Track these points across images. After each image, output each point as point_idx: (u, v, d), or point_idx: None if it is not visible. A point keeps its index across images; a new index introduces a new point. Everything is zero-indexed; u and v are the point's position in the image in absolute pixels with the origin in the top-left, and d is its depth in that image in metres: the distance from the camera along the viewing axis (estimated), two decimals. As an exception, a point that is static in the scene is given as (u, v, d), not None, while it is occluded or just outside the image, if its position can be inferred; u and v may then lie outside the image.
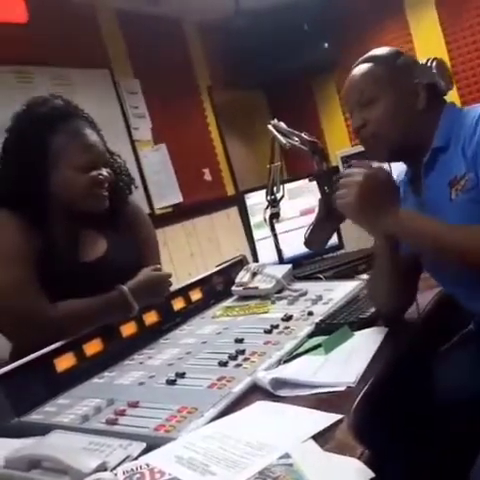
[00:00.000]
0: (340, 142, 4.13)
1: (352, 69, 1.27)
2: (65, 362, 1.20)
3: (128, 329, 1.38)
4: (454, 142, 1.15)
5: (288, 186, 2.03)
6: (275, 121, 1.58)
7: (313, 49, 4.03)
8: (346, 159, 2.43)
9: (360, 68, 1.25)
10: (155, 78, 3.32)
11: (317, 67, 4.16)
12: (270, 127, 1.59)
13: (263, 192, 1.98)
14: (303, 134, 1.43)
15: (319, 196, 1.49)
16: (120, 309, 1.38)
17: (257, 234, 2.18)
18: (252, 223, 2.20)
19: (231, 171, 3.96)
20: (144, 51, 3.28)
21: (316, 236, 1.31)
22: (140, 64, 3.26)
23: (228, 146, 3.99)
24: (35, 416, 1.07)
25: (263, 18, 3.76)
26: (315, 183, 1.65)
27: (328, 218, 1.27)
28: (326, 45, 4.11)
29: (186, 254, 3.29)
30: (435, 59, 1.20)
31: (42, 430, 0.98)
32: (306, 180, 2.14)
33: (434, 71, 1.18)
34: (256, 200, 2.15)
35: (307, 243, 1.33)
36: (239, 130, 4.37)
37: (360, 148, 2.62)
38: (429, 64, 1.19)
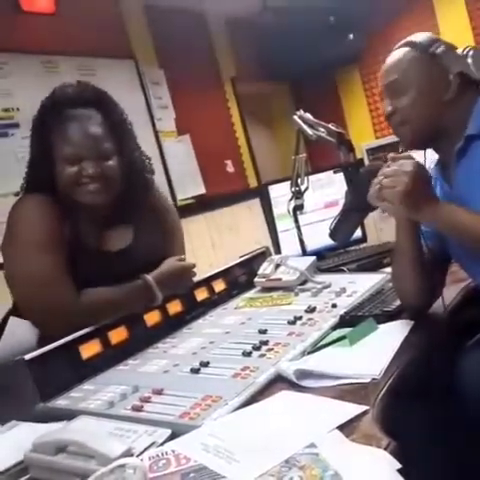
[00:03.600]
0: (364, 134, 4.09)
1: (392, 51, 1.28)
2: (90, 349, 1.22)
3: (152, 318, 1.39)
4: None
5: (312, 178, 2.02)
6: (301, 112, 1.57)
7: (338, 41, 4.00)
8: (371, 151, 2.40)
9: (397, 53, 1.26)
10: (179, 69, 3.33)
11: (342, 59, 4.12)
12: (296, 118, 1.58)
13: (286, 184, 1.98)
14: (330, 125, 1.42)
15: (344, 188, 1.48)
16: (144, 298, 1.39)
17: (280, 226, 2.17)
18: (275, 215, 2.19)
19: (254, 163, 3.96)
20: (169, 42, 3.28)
21: (341, 228, 1.30)
22: (165, 55, 3.27)
23: (251, 138, 3.98)
24: (61, 401, 1.08)
25: (289, 10, 3.74)
26: (339, 176, 1.65)
27: (354, 210, 1.26)
28: (351, 37, 4.06)
29: (207, 245, 3.30)
30: (474, 49, 1.19)
31: (68, 415, 1.00)
32: (331, 172, 2.13)
33: (469, 60, 1.17)
34: (279, 192, 2.14)
35: (332, 235, 1.32)
36: (262, 122, 4.35)
37: (385, 140, 2.60)
38: (465, 53, 1.19)
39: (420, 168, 1.13)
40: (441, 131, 1.21)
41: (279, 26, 3.79)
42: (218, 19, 3.77)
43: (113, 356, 1.24)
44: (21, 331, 1.30)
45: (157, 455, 0.81)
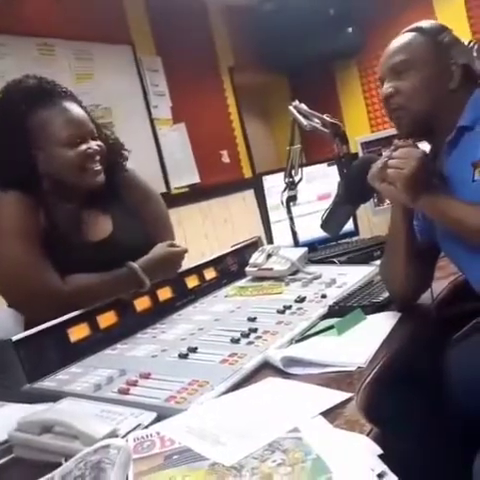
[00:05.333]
0: (360, 128, 4.09)
1: (399, 35, 1.28)
2: (79, 332, 1.22)
3: (142, 303, 1.40)
4: None
5: (306, 170, 2.02)
6: (296, 102, 1.57)
7: (337, 34, 3.99)
8: (366, 145, 2.40)
9: (403, 36, 1.25)
10: (177, 56, 3.31)
11: (340, 52, 4.11)
12: (291, 108, 1.58)
13: (281, 175, 1.98)
14: (325, 116, 1.42)
15: (338, 180, 1.48)
16: (130, 285, 1.38)
17: (273, 216, 2.17)
18: (268, 205, 2.19)
19: (249, 154, 3.95)
20: (167, 29, 3.26)
21: (333, 219, 1.30)
22: (163, 42, 3.25)
23: (247, 128, 3.98)
24: (48, 383, 1.09)
25: (289, 2, 3.72)
26: (333, 168, 1.65)
27: (346, 202, 1.26)
28: (350, 30, 4.05)
29: (201, 235, 3.30)
30: (477, 42, 1.19)
31: (54, 397, 1.00)
32: (324, 165, 2.13)
33: (474, 54, 1.17)
34: (273, 183, 2.13)
35: (324, 226, 1.32)
36: (259, 113, 4.34)
37: (380, 134, 2.59)
38: (471, 45, 1.19)
39: (427, 157, 1.14)
40: (436, 121, 1.21)
41: (278, 17, 3.77)
42: (218, 7, 3.75)
43: (101, 340, 1.25)
44: (6, 319, 1.30)
45: (142, 437, 0.81)
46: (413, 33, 1.24)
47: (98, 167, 1.40)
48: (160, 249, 1.46)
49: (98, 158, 1.40)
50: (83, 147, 1.38)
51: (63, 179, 1.38)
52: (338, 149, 1.37)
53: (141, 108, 3.06)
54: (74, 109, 1.41)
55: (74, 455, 0.76)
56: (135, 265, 1.38)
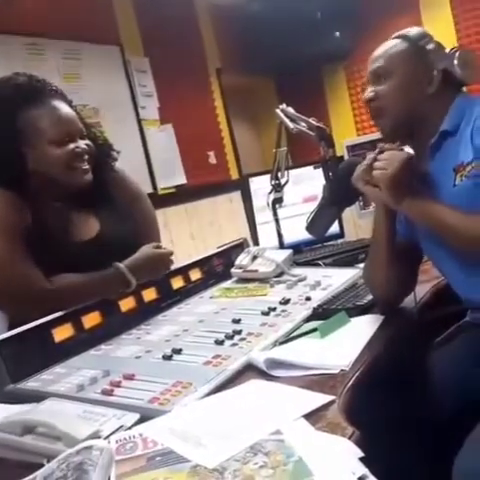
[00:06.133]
0: (347, 132, 4.12)
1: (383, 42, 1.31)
2: (63, 332, 1.22)
3: (127, 304, 1.39)
4: (463, 128, 1.17)
5: (292, 172, 2.04)
6: (283, 106, 1.58)
7: (325, 38, 4.00)
8: (351, 148, 2.42)
9: (386, 43, 1.29)
10: (165, 58, 3.31)
11: (328, 56, 4.13)
12: (278, 111, 1.59)
13: (267, 177, 1.98)
14: (311, 119, 1.43)
15: (323, 183, 1.50)
16: (117, 285, 1.38)
17: (259, 218, 2.18)
18: (255, 207, 2.20)
19: (236, 155, 3.96)
20: (155, 30, 3.26)
21: (318, 221, 1.31)
22: (150, 43, 3.24)
23: (234, 130, 3.98)
24: (31, 383, 1.08)
25: (276, 4, 3.73)
26: (319, 171, 1.65)
27: (331, 204, 1.27)
28: (338, 34, 4.08)
29: (187, 236, 3.30)
30: (462, 50, 1.22)
31: (38, 397, 1.00)
32: (311, 167, 2.15)
33: (454, 60, 1.19)
34: (260, 184, 2.15)
35: (309, 228, 1.33)
36: (246, 115, 4.35)
37: (366, 138, 2.61)
38: (452, 52, 1.21)
39: (411, 160, 1.16)
40: (418, 125, 1.23)
41: (266, 19, 3.78)
42: (206, 9, 3.75)
43: (86, 340, 1.24)
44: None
45: (124, 438, 0.81)
46: (396, 40, 1.27)
47: (86, 166, 1.40)
48: (146, 250, 1.46)
49: (86, 157, 1.40)
50: (71, 146, 1.38)
51: (51, 177, 1.38)
52: (324, 152, 1.38)
53: (129, 109, 3.05)
54: (63, 108, 1.41)
55: (56, 456, 0.76)
56: (122, 265, 1.38)
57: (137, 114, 3.11)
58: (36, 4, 2.59)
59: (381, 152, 1.18)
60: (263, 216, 2.14)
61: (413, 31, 1.28)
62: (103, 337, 1.28)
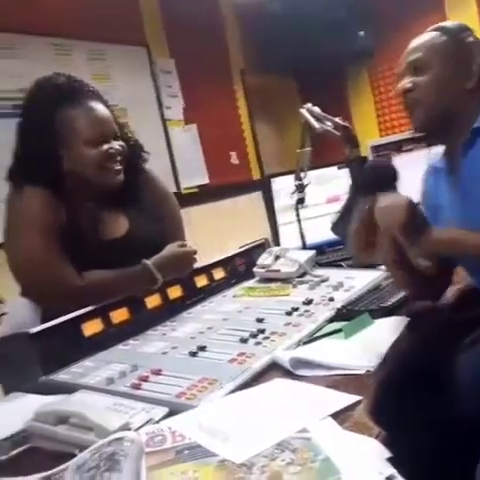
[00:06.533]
0: (369, 132, 4.11)
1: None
2: (93, 327, 1.25)
3: (153, 301, 1.42)
4: None
5: (316, 173, 2.04)
6: (309, 105, 1.59)
7: (348, 37, 3.99)
8: (376, 149, 2.42)
9: (425, 34, 1.27)
10: (189, 58, 3.34)
11: (351, 55, 4.12)
12: (303, 111, 1.60)
13: (289, 177, 2.00)
14: (337, 119, 1.43)
15: (347, 185, 1.51)
16: (144, 282, 1.42)
17: (280, 219, 2.20)
18: (276, 207, 2.21)
19: (258, 156, 3.97)
20: (181, 31, 3.29)
21: (344, 222, 1.32)
22: (176, 44, 3.27)
23: (256, 130, 4.00)
24: (62, 376, 1.11)
25: (300, 3, 3.73)
26: (343, 171, 1.66)
27: (356, 205, 1.28)
28: (362, 34, 4.06)
29: (208, 235, 3.32)
30: None
31: (68, 389, 1.02)
32: (334, 168, 2.15)
33: None
34: (282, 185, 2.16)
35: (334, 228, 1.34)
36: (268, 115, 4.36)
37: (390, 138, 2.59)
38: None
39: (412, 203, 1.12)
40: (452, 120, 1.21)
41: (288, 18, 3.78)
42: (230, 9, 3.77)
43: (114, 335, 1.27)
44: (24, 311, 1.33)
45: (153, 431, 0.83)
46: (435, 32, 1.25)
47: (118, 167, 1.44)
48: (172, 248, 1.49)
49: (119, 158, 1.44)
50: (105, 147, 1.41)
51: (85, 177, 1.41)
52: (349, 152, 1.38)
53: (154, 109, 3.09)
54: (100, 109, 1.44)
55: (88, 446, 0.79)
56: (149, 263, 1.41)
57: (162, 114, 3.14)
58: (63, 5, 2.64)
59: (370, 208, 1.14)
60: (285, 216, 2.15)
61: (452, 24, 1.26)
62: (130, 333, 1.30)
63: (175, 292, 1.50)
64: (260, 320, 1.32)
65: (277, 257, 1.76)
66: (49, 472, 0.77)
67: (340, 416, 0.82)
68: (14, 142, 1.42)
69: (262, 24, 3.86)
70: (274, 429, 0.80)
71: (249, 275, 1.75)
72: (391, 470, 0.68)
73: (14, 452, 0.88)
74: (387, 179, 1.22)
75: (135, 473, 0.71)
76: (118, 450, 0.74)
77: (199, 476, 0.70)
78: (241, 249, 1.87)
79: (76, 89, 1.43)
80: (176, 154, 3.19)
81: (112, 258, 1.39)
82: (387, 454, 0.71)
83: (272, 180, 2.22)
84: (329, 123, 1.48)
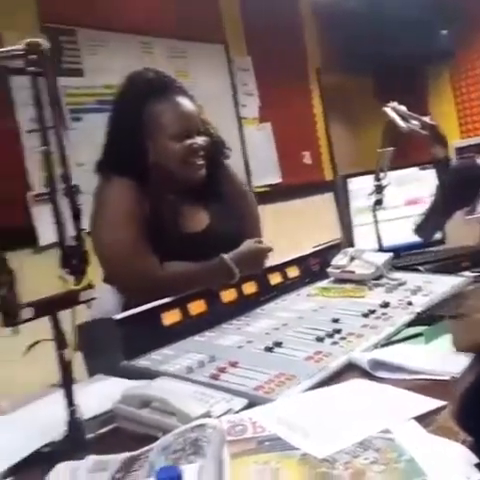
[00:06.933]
0: (450, 134, 3.95)
1: None
2: (171, 317, 1.28)
3: (228, 295, 1.44)
4: None
5: (395, 174, 1.99)
6: (394, 104, 1.55)
7: (430, 36, 3.87)
8: (460, 151, 2.33)
9: None
10: (266, 57, 3.36)
11: (432, 55, 3.99)
12: (388, 110, 1.56)
13: (365, 178, 1.96)
14: (425, 118, 1.39)
15: (429, 186, 1.46)
16: (221, 276, 1.44)
17: (355, 220, 2.16)
18: (351, 208, 2.18)
19: (331, 156, 3.93)
20: (259, 29, 3.32)
21: (427, 224, 1.29)
22: (254, 42, 3.30)
23: (331, 130, 3.96)
24: (143, 362, 1.15)
25: (379, 1, 3.66)
26: (425, 173, 1.61)
27: (443, 208, 1.24)
28: (444, 33, 3.92)
29: (278, 234, 3.32)
30: None
31: (149, 375, 1.06)
32: (416, 168, 2.09)
33: None
34: (358, 185, 2.13)
35: (417, 230, 1.31)
36: (343, 115, 4.31)
37: (476, 140, 2.49)
38: None
39: None
40: None
41: (367, 17, 3.71)
42: (309, 7, 3.75)
43: (191, 326, 1.30)
44: (109, 297, 1.39)
45: (233, 421, 0.84)
46: None
47: (201, 162, 1.47)
48: (249, 244, 1.51)
49: (202, 153, 1.46)
50: (189, 141, 1.45)
51: (168, 171, 1.45)
52: (437, 152, 1.34)
53: (229, 106, 3.13)
54: (186, 104, 1.47)
55: (170, 431, 0.81)
56: (226, 257, 1.43)
57: (237, 112, 3.18)
58: (146, 3, 2.73)
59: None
60: (359, 218, 2.11)
61: None
62: (206, 324, 1.33)
63: (250, 288, 1.51)
64: (336, 320, 1.31)
65: (352, 258, 1.74)
66: (136, 452, 0.80)
67: (424, 420, 0.80)
68: (104, 135, 1.49)
69: (341, 22, 3.82)
70: (355, 428, 0.79)
71: (323, 275, 1.74)
72: (479, 476, 0.66)
73: (100, 431, 0.92)
74: (474, 181, 1.18)
75: (218, 459, 0.72)
76: (201, 436, 0.76)
77: (281, 467, 0.70)
78: (315, 249, 1.86)
79: (165, 84, 1.48)
80: (249, 152, 3.21)
81: (191, 251, 1.43)
82: (475, 460, 0.69)
83: (348, 180, 2.19)
84: (415, 122, 1.44)
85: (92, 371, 1.16)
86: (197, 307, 1.34)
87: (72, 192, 0.93)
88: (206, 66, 2.95)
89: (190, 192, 1.51)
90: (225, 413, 0.88)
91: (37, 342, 0.87)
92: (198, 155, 1.46)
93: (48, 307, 0.87)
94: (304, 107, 3.73)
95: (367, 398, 0.91)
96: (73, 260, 0.93)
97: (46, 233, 2.28)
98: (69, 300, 0.90)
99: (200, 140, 1.47)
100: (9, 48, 0.88)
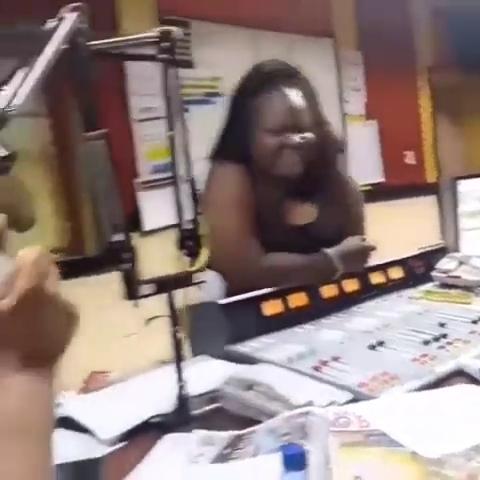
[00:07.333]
0: None
1: None
2: (272, 307, 1.30)
3: (329, 291, 1.44)
4: None
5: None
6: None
7: None
8: None
9: None
10: (377, 53, 3.28)
11: None
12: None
13: (476, 181, 1.86)
14: None
15: None
16: (324, 271, 1.44)
17: (462, 224, 2.06)
18: (459, 211, 2.08)
19: (436, 157, 3.77)
20: (370, 23, 3.24)
21: None
22: (364, 36, 3.23)
23: (437, 131, 3.80)
24: (244, 348, 1.18)
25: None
26: None
27: None
28: None
29: (380, 234, 3.24)
30: None
31: (251, 361, 1.09)
32: None
33: None
34: (467, 188, 2.03)
35: None
36: (452, 115, 4.11)
37: None
38: None
39: None
40: None
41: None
42: (422, 4, 3.61)
43: (290, 318, 1.31)
44: (215, 282, 1.43)
45: (337, 413, 0.84)
46: None
47: (295, 158, 1.45)
48: (353, 241, 1.49)
49: (299, 150, 1.45)
50: (286, 137, 1.43)
51: (263, 164, 1.46)
52: None
53: (334, 102, 3.09)
54: (292, 99, 1.46)
55: (273, 416, 0.83)
56: (331, 253, 1.43)
57: (341, 108, 3.14)
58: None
59: None
60: (467, 222, 2.02)
61: None
62: (306, 318, 1.34)
63: (351, 285, 1.50)
64: (442, 325, 1.26)
65: (460, 263, 1.66)
66: (240, 432, 0.82)
67: None
68: (215, 125, 1.53)
69: (456, 20, 3.64)
70: (466, 432, 0.76)
71: (426, 278, 1.68)
72: None
73: (205, 409, 0.96)
74: None
75: (324, 447, 0.73)
76: (308, 422, 0.76)
77: (392, 461, 0.69)
78: (420, 251, 1.80)
79: (282, 76, 1.48)
80: (352, 149, 3.16)
81: (294, 244, 1.44)
82: None
83: (458, 182, 2.09)
84: None
85: (195, 352, 1.20)
86: (297, 300, 1.35)
87: (192, 177, 0.97)
88: (313, 60, 2.93)
89: (299, 186, 1.51)
90: (329, 404, 0.88)
91: (156, 317, 0.92)
92: (293, 152, 1.44)
93: (166, 285, 0.92)
94: (411, 105, 3.61)
95: (477, 405, 0.87)
96: (189, 242, 0.98)
97: (151, 218, 2.39)
98: (184, 280, 0.95)
99: (299, 137, 1.45)
100: (141, 35, 0.92)
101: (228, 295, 1.36)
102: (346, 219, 1.57)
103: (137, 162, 2.55)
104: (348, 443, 0.75)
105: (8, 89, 0.72)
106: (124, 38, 0.89)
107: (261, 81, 1.47)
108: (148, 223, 2.44)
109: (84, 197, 2.50)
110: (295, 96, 1.48)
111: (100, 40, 0.84)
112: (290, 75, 1.50)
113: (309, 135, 1.48)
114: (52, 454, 0.52)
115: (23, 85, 0.71)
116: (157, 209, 2.29)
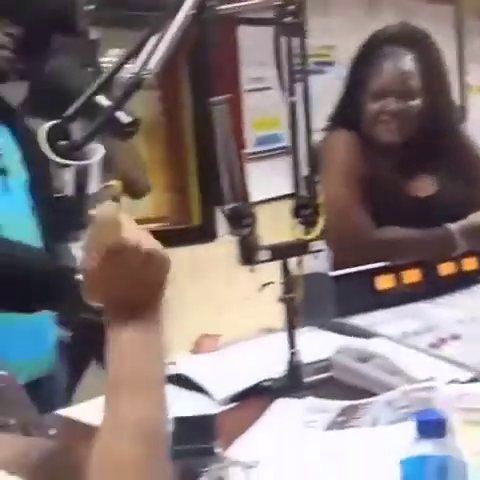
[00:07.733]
0: None
1: None
2: (385, 282, 1.26)
3: (446, 269, 1.36)
4: None
5: None
6: None
7: None
8: None
9: None
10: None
11: None
12: None
13: None
14: None
15: None
16: (443, 247, 1.36)
17: None
18: None
19: None
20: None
21: None
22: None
23: None
24: (356, 321, 1.16)
25: None
26: None
27: None
28: None
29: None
30: None
31: (362, 334, 1.07)
32: None
33: None
34: None
35: None
36: None
37: None
38: None
39: None
40: None
41: None
42: None
43: (404, 294, 1.26)
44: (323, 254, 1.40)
45: (460, 390, 0.81)
46: None
47: (392, 126, 1.39)
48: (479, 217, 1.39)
49: (397, 117, 1.38)
50: (386, 103, 1.37)
51: (366, 129, 1.41)
52: None
53: (453, 72, 2.89)
54: (404, 64, 1.39)
55: (390, 389, 0.81)
56: (453, 228, 1.35)
57: (461, 78, 2.93)
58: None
59: None
60: None
61: None
62: (420, 295, 1.28)
63: (470, 264, 1.41)
64: None
65: None
66: (355, 401, 0.81)
67: None
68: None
69: None
70: None
71: None
72: None
73: (316, 377, 0.95)
74: None
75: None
76: (429, 397, 0.74)
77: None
78: None
79: (399, 40, 1.41)
80: (471, 122, 2.95)
81: (412, 217, 1.37)
82: None
83: None
84: None
85: (303, 323, 1.19)
86: (412, 276, 1.30)
87: (311, 145, 0.95)
88: (432, 28, 2.76)
89: (413, 155, 1.44)
90: (450, 382, 0.84)
91: (270, 283, 0.93)
92: (390, 118, 1.38)
93: (282, 252, 0.92)
94: None
95: None
96: (305, 211, 0.97)
97: (257, 190, 2.38)
98: (300, 248, 0.94)
99: (400, 103, 1.37)
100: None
101: (335, 267, 1.33)
102: (472, 192, 1.47)
103: (244, 133, 2.55)
104: (471, 421, 0.72)
105: (141, 55, 0.75)
106: (249, 2, 0.88)
107: (377, 46, 1.41)
108: (254, 195, 2.45)
109: (192, 168, 2.55)
110: (407, 61, 1.41)
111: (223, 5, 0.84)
112: (410, 39, 1.42)
113: (415, 102, 1.40)
114: (164, 406, 0.52)
115: (156, 51, 0.73)
116: (263, 180, 2.28)
